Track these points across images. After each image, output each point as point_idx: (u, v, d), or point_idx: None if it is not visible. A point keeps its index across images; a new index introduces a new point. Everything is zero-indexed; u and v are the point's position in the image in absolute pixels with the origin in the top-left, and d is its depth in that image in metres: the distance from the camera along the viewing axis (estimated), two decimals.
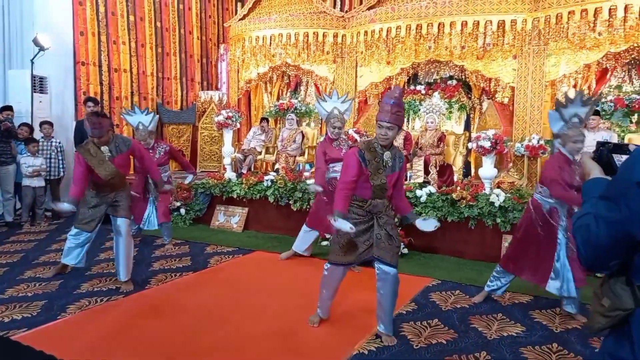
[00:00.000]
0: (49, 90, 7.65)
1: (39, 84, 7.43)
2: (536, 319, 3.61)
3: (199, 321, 3.47)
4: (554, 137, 3.67)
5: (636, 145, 1.27)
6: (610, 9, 6.17)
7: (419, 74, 8.52)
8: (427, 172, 6.58)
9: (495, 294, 3.95)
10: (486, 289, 3.95)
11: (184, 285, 4.32)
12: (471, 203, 5.19)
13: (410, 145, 6.95)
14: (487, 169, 5.55)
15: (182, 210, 6.74)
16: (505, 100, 7.43)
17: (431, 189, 5.56)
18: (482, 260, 5.04)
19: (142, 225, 5.45)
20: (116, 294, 4.01)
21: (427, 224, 3.27)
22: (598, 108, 6.66)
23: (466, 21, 7.11)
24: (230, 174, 6.93)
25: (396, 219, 3.17)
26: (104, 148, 3.96)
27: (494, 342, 3.18)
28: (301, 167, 7.61)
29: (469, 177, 7.14)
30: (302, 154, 7.80)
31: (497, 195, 5.15)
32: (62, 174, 7.09)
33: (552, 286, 3.61)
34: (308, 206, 5.80)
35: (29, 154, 6.56)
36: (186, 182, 5.84)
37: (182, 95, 10.09)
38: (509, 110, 7.46)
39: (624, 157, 1.38)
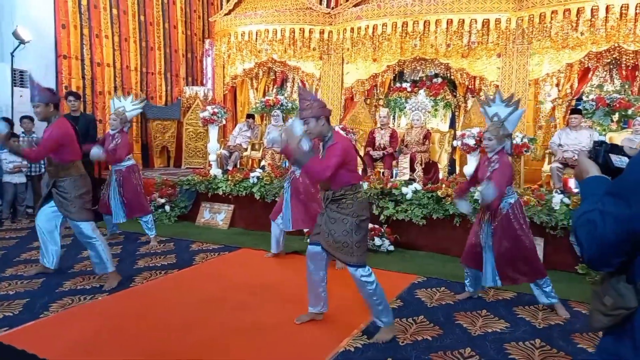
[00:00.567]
0: (30, 83, 7.48)
1: (19, 78, 7.28)
2: (519, 315, 3.66)
3: (184, 319, 3.45)
4: None
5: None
6: (592, 9, 6.27)
7: (405, 71, 8.55)
8: (412, 169, 6.62)
9: (477, 290, 4.00)
10: (468, 290, 4.02)
11: (169, 282, 4.29)
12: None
13: (396, 142, 6.99)
14: (472, 166, 5.62)
15: (167, 207, 6.68)
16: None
17: (417, 186, 5.59)
18: None
19: (113, 220, 5.46)
20: (100, 292, 3.96)
21: None
22: (580, 107, 6.79)
23: (452, 19, 7.15)
24: (215, 171, 6.89)
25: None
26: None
27: (479, 339, 3.22)
28: (287, 164, 7.58)
29: (454, 174, 7.20)
30: None
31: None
32: (43, 170, 6.96)
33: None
34: None
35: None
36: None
37: (166, 91, 9.97)
38: None
39: (621, 157, 1.42)
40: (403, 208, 5.43)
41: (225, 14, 9.16)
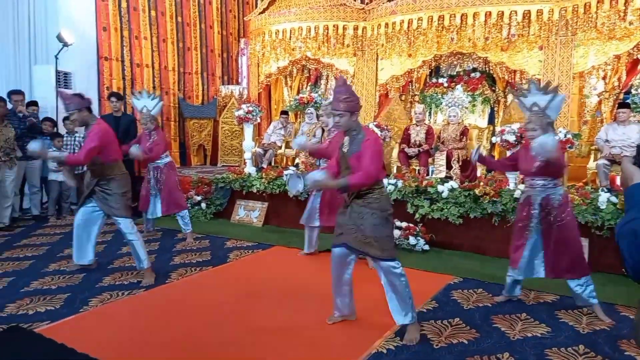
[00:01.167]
0: (73, 85, 7.76)
1: (63, 80, 7.55)
2: (562, 319, 3.50)
3: (217, 316, 3.48)
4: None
5: None
6: None
7: (441, 66, 8.36)
8: (449, 167, 6.47)
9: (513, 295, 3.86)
10: (504, 293, 3.88)
11: (204, 279, 4.35)
12: (495, 199, 5.07)
13: (432, 139, 6.84)
14: None
15: (203, 205, 6.78)
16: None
17: (453, 184, 5.45)
18: (506, 257, 4.81)
19: (148, 215, 5.65)
20: (137, 287, 4.05)
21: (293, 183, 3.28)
22: (628, 101, 6.44)
23: (490, 12, 6.92)
24: (250, 169, 6.94)
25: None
26: (82, 130, 4.15)
27: (517, 343, 3.10)
28: (321, 162, 7.55)
29: (493, 172, 6.99)
30: None
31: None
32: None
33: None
34: None
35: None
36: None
37: (203, 90, 10.14)
38: None
39: None
40: (439, 207, 5.30)
41: (260, 13, 9.20)
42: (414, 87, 8.71)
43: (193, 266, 4.68)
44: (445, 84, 8.10)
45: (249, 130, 7.09)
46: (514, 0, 6.82)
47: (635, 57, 6.65)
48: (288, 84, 9.95)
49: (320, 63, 8.97)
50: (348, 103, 2.97)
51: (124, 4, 8.41)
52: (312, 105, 8.60)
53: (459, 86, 7.86)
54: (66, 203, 6.93)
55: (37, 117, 6.72)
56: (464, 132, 6.77)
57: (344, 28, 8.27)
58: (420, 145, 6.77)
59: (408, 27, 7.57)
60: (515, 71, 7.31)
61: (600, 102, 7.17)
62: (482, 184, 5.34)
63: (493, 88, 7.98)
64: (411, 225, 5.32)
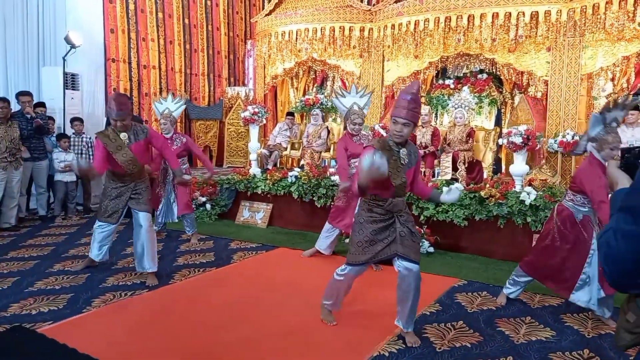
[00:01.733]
0: (81, 87, 7.82)
1: (70, 81, 7.60)
2: (567, 323, 3.45)
3: (220, 317, 3.47)
4: (587, 138, 3.48)
5: None
6: None
7: (448, 67, 8.32)
8: (455, 168, 6.42)
9: (511, 295, 3.81)
10: (504, 291, 3.83)
11: (207, 280, 4.34)
12: (500, 201, 5.03)
13: (438, 140, 6.80)
14: (519, 165, 5.37)
15: (208, 206, 6.79)
16: (538, 95, 7.18)
17: (459, 186, 5.40)
18: (511, 260, 4.83)
19: (164, 219, 5.69)
20: (141, 288, 4.06)
21: (452, 195, 3.20)
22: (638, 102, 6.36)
23: (497, 13, 6.88)
24: (255, 170, 6.94)
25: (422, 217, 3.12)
26: (123, 135, 4.05)
27: (522, 347, 3.06)
28: (326, 163, 7.55)
29: (499, 174, 6.93)
30: (328, 150, 7.74)
31: (528, 194, 4.96)
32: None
33: (576, 298, 3.45)
34: (332, 203, 5.74)
35: (61, 149, 6.73)
36: (203, 177, 5.76)
37: (209, 91, 10.17)
38: (542, 105, 7.20)
39: None
40: (444, 208, 5.26)
41: (266, 15, 9.22)
42: (420, 88, 8.65)
43: (197, 267, 4.68)
44: (452, 86, 8.06)
45: (254, 131, 7.09)
46: (521, 1, 6.77)
47: None
48: (294, 86, 9.95)
49: (327, 64, 8.97)
50: (416, 113, 2.91)
51: (131, 6, 8.46)
52: (317, 107, 8.58)
53: (465, 87, 7.81)
54: (72, 203, 6.97)
55: (44, 118, 6.76)
56: (471, 134, 6.72)
57: (350, 29, 8.26)
58: (426, 147, 6.73)
59: (414, 28, 7.55)
60: (522, 72, 7.25)
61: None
62: (488, 186, 5.29)
63: (500, 89, 7.92)
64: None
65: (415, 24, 7.53)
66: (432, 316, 3.54)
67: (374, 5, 8.49)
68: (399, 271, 3.06)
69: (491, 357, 2.92)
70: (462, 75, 8.22)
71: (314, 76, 9.77)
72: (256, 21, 9.60)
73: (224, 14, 10.46)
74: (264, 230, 6.32)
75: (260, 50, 9.42)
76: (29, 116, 6.45)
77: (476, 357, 2.91)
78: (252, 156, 7.27)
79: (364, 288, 3.38)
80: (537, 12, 6.72)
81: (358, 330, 3.29)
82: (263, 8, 10.25)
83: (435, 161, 6.72)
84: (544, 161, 6.73)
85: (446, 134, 6.92)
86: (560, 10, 6.63)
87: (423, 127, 6.88)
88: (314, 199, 6.06)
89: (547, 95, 7.04)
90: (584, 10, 6.44)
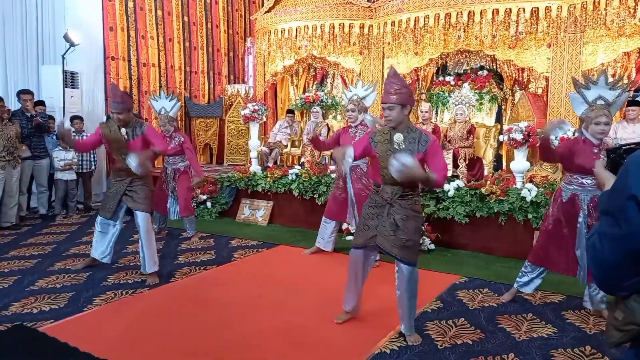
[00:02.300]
0: (80, 85, 7.80)
1: (70, 79, 7.58)
2: (568, 319, 3.45)
3: (221, 316, 3.47)
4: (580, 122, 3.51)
5: None
6: None
7: (448, 64, 8.30)
8: (455, 165, 6.41)
9: (525, 290, 3.77)
10: (515, 285, 3.81)
11: (208, 279, 4.34)
12: (501, 198, 5.02)
13: (438, 138, 6.78)
14: (519, 162, 5.37)
15: (209, 204, 6.78)
16: (539, 91, 7.15)
17: (459, 183, 5.40)
18: (512, 257, 4.86)
19: (168, 216, 5.70)
20: (141, 286, 4.06)
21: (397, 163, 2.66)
22: (638, 98, 6.35)
23: (497, 9, 6.85)
24: (255, 168, 6.93)
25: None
26: (123, 130, 4.07)
27: (523, 344, 3.06)
28: (327, 161, 7.53)
29: (500, 170, 6.92)
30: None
31: (529, 190, 4.96)
32: (93, 167, 7.24)
33: (582, 278, 3.49)
34: None
35: (61, 148, 6.72)
36: (192, 182, 5.60)
37: (209, 89, 10.15)
38: (542, 101, 7.19)
39: None
40: (445, 205, 5.26)
41: (266, 12, 9.19)
42: (420, 85, 8.64)
43: (197, 265, 4.68)
44: (452, 82, 8.04)
45: (254, 129, 7.08)
46: None
47: None
48: (294, 83, 9.93)
49: (326, 62, 8.94)
50: (400, 95, 2.82)
51: (130, 4, 8.43)
52: (318, 104, 8.56)
53: (466, 84, 7.79)
54: (72, 202, 6.96)
55: (45, 117, 6.75)
56: (471, 131, 6.70)
57: (350, 26, 8.23)
58: None
59: (415, 25, 7.51)
60: (523, 69, 7.22)
61: None
62: (488, 182, 5.29)
63: (500, 86, 7.91)
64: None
65: (415, 21, 7.50)
66: (433, 313, 3.53)
67: (373, 2, 8.45)
68: (396, 270, 3.09)
69: (492, 354, 2.92)
70: (462, 72, 8.20)
71: (313, 73, 9.74)
72: (256, 18, 9.57)
73: (224, 11, 10.43)
74: (265, 228, 6.32)
75: (260, 48, 9.39)
76: (29, 115, 6.44)
77: (477, 354, 2.91)
78: (253, 154, 7.26)
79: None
80: (538, 8, 6.69)
81: (359, 327, 3.29)
82: (262, 5, 10.21)
83: None
84: None
85: (447, 131, 6.90)
86: (561, 6, 6.60)
87: (424, 124, 6.86)
88: (315, 196, 6.06)
89: (547, 91, 7.02)
90: (585, 6, 6.42)
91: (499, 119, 7.87)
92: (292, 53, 8.92)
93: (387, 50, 8.18)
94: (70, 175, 6.82)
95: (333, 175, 5.91)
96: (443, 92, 8.03)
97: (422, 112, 6.95)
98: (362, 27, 8.22)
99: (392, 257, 3.09)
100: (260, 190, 6.53)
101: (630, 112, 5.81)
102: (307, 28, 8.49)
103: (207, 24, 10.02)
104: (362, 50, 8.41)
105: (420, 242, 3.09)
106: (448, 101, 7.87)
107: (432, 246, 5.16)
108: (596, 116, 3.28)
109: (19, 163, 6.11)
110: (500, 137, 6.00)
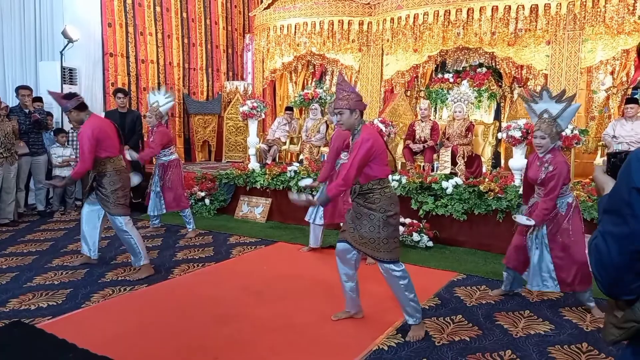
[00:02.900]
0: (79, 81, 7.78)
1: (68, 76, 7.57)
2: (566, 316, 3.46)
3: (219, 312, 3.47)
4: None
5: None
6: None
7: (447, 61, 8.29)
8: (454, 163, 6.41)
9: (514, 289, 3.85)
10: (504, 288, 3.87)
11: (206, 275, 4.34)
12: (500, 195, 5.03)
13: (437, 135, 6.79)
14: (518, 159, 5.37)
15: (207, 201, 6.78)
16: (538, 89, 7.15)
17: (458, 180, 5.41)
18: None
19: (150, 212, 5.68)
20: (139, 283, 4.06)
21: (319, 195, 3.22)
22: (637, 96, 6.35)
23: (497, 6, 6.83)
24: (253, 165, 6.93)
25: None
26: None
27: (520, 341, 3.06)
28: (325, 158, 7.53)
29: (498, 168, 6.93)
30: (327, 145, 7.72)
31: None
32: None
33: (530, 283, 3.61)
34: None
35: (58, 144, 6.70)
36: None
37: (207, 86, 10.13)
38: None
39: None
40: (443, 203, 5.27)
41: (265, 8, 9.16)
42: (419, 82, 8.64)
43: (196, 262, 4.68)
44: (451, 80, 8.03)
45: (253, 126, 7.07)
46: None
47: None
48: (293, 80, 9.92)
49: (325, 59, 8.94)
50: (347, 100, 2.94)
51: (128, 0, 8.41)
52: (316, 101, 8.56)
53: (464, 81, 7.79)
54: (70, 199, 6.96)
55: (43, 113, 6.73)
56: (470, 128, 6.70)
57: (349, 23, 8.22)
58: (425, 141, 6.72)
59: (414, 22, 7.50)
60: (522, 66, 7.23)
61: (608, 98, 7.08)
62: (487, 180, 5.29)
63: (499, 83, 7.91)
64: (415, 221, 5.29)
65: (414, 18, 7.49)
66: (431, 310, 3.54)
67: None
68: None
69: (490, 350, 2.92)
70: (461, 69, 8.19)
71: (312, 70, 9.73)
72: (254, 15, 9.54)
73: (222, 7, 10.40)
74: (263, 224, 6.32)
75: (259, 44, 9.37)
76: (27, 111, 6.42)
77: (475, 351, 2.91)
78: (251, 151, 7.26)
79: (361, 282, 3.38)
80: (537, 5, 6.68)
81: (357, 324, 3.29)
82: (261, 2, 10.17)
83: (435, 155, 6.71)
84: None
85: (445, 128, 6.90)
86: (560, 4, 6.59)
87: (422, 122, 6.87)
88: (313, 193, 6.05)
89: None
90: (584, 3, 6.41)
91: (497, 116, 7.87)
92: (291, 50, 8.91)
93: (386, 47, 8.17)
94: (69, 172, 6.78)
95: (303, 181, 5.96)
96: (442, 89, 8.03)
97: (421, 109, 6.95)
98: (361, 24, 8.20)
99: None
100: (258, 187, 6.53)
101: (629, 109, 5.81)
102: (306, 25, 8.47)
103: (205, 21, 10.00)
104: (361, 47, 8.40)
105: (394, 238, 3.04)
106: (447, 98, 7.87)
107: (431, 243, 5.17)
108: (535, 128, 3.46)
109: (17, 159, 6.09)
110: (499, 135, 6.00)
